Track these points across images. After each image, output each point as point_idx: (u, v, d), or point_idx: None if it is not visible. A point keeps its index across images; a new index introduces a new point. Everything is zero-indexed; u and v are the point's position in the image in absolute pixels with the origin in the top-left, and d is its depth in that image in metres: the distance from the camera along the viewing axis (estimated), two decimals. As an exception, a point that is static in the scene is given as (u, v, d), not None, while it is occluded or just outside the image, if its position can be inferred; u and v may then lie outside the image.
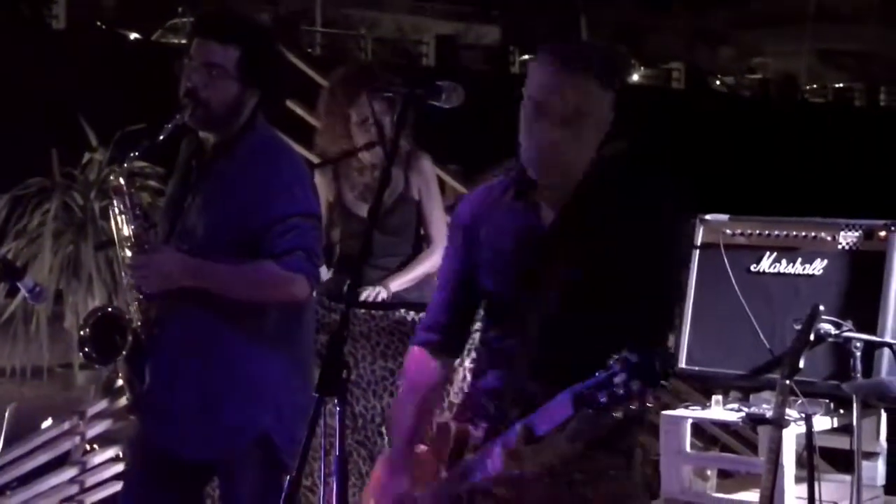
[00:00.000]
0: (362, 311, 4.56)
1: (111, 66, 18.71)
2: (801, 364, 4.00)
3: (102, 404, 5.18)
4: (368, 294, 4.54)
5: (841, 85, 44.45)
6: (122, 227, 3.81)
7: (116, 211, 3.83)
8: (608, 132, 2.91)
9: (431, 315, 3.16)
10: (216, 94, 3.71)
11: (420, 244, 4.74)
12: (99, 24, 27.75)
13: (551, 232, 2.93)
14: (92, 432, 5.12)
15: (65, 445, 5.10)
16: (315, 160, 4.93)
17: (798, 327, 4.09)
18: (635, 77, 37.40)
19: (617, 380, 2.56)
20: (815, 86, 44.26)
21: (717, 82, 40.38)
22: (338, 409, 2.70)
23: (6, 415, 5.53)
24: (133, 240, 3.78)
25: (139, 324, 3.81)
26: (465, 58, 29.75)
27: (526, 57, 31.94)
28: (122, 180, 3.81)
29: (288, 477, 2.63)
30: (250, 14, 4.49)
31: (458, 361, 3.79)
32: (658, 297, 2.89)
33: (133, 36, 27.12)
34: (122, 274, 3.87)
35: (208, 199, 3.76)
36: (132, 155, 3.80)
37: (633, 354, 2.55)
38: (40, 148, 9.10)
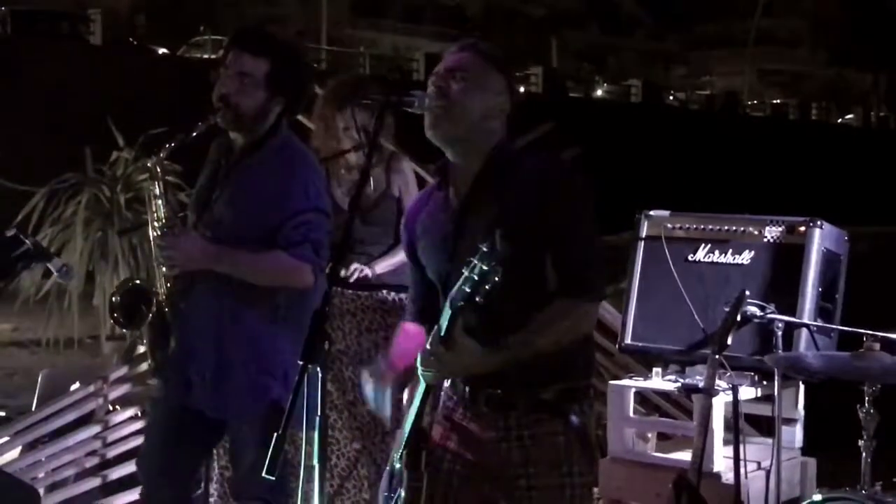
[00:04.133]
0: (350, 291, 4.56)
1: (141, 77, 18.68)
2: (730, 341, 4.00)
3: (123, 370, 5.17)
4: (356, 269, 4.53)
5: (777, 101, 44.54)
6: (156, 209, 3.82)
7: (153, 195, 3.84)
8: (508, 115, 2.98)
9: (410, 297, 3.20)
10: (246, 99, 3.73)
11: (399, 235, 4.73)
12: (131, 40, 27.66)
13: (461, 206, 2.95)
14: (114, 394, 5.11)
15: (90, 406, 5.08)
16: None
17: (727, 309, 4.09)
18: (599, 92, 37.41)
19: (473, 272, 2.61)
20: (755, 101, 44.32)
21: (670, 97, 40.38)
22: (319, 374, 2.68)
23: (39, 379, 5.53)
24: (164, 222, 3.80)
25: (164, 296, 3.82)
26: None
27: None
28: (159, 168, 3.83)
29: (275, 434, 2.60)
30: (281, 32, 4.48)
31: None
32: (575, 248, 2.87)
33: (161, 51, 27.04)
34: (152, 251, 3.88)
35: (234, 194, 3.78)
36: (168, 146, 3.81)
37: (483, 245, 2.61)
38: (74, 147, 9.09)
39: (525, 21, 39.36)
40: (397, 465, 2.97)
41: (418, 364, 2.84)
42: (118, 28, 25.80)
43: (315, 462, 2.69)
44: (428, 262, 3.03)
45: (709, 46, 47.43)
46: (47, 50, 18.98)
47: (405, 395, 3.10)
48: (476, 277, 2.60)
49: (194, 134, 3.74)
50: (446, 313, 2.74)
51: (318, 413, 2.70)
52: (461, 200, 2.96)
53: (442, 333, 2.76)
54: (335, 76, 5.05)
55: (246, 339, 3.73)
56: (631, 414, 4.65)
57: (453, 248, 2.92)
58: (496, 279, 2.60)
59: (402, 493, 2.93)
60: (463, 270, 2.64)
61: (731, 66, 47.48)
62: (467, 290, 2.63)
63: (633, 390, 4.63)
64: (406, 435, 2.94)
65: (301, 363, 2.65)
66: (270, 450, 2.61)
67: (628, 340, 4.86)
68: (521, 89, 30.82)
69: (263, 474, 2.59)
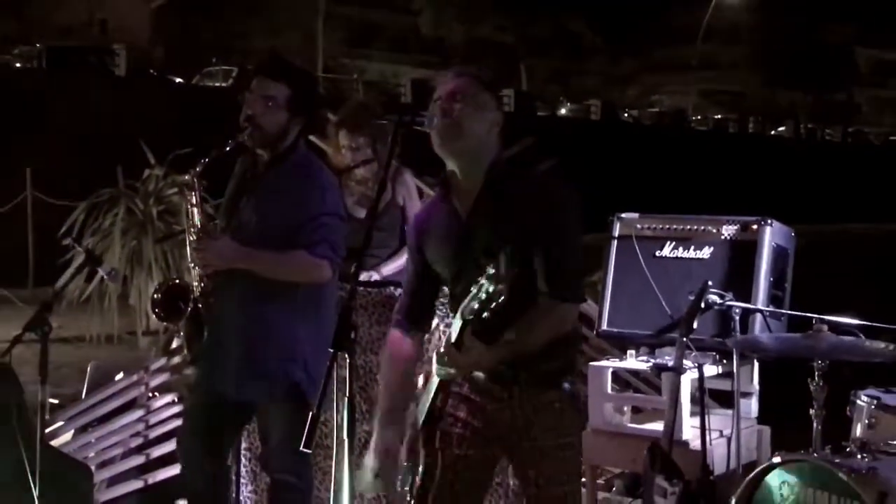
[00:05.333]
0: (361, 288, 4.58)
1: (161, 104, 18.61)
2: (695, 325, 4.03)
3: (161, 361, 5.16)
4: (367, 275, 4.55)
5: (719, 116, 44.63)
6: (192, 217, 3.83)
7: (190, 204, 3.84)
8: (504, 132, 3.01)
9: (401, 303, 3.21)
10: (269, 120, 3.75)
11: (404, 239, 4.75)
12: (151, 71, 27.50)
13: (468, 216, 2.99)
14: (154, 383, 5.10)
15: (133, 393, 5.07)
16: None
17: (692, 298, 4.11)
18: (562, 111, 37.41)
19: (482, 290, 2.64)
20: (699, 117, 44.39)
21: (625, 115, 40.43)
22: (347, 361, 2.70)
23: (88, 370, 5.51)
24: (198, 227, 3.81)
25: (199, 294, 3.83)
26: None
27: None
28: (195, 180, 3.84)
29: (311, 414, 2.62)
30: (300, 62, 4.50)
31: (435, 324, 3.83)
32: (562, 255, 2.91)
33: (177, 80, 26.93)
34: (188, 253, 3.88)
35: (259, 201, 3.79)
36: (203, 161, 3.82)
37: (490, 267, 2.63)
38: (104, 167, 9.08)
39: (498, 49, 39.38)
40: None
41: (434, 363, 2.89)
42: (140, 60, 25.65)
43: (345, 437, 2.71)
44: (436, 262, 3.07)
45: (659, 70, 47.53)
46: (78, 81, 18.91)
47: (420, 380, 3.14)
48: (484, 296, 2.64)
49: (226, 150, 3.75)
50: (457, 323, 2.80)
51: (347, 395, 2.73)
52: (468, 210, 2.99)
53: (453, 340, 2.81)
54: (335, 101, 5.06)
55: (270, 330, 3.74)
56: (609, 391, 4.67)
57: (461, 253, 2.97)
58: (502, 299, 2.63)
59: (420, 466, 2.98)
60: (472, 288, 2.67)
61: (678, 86, 47.64)
62: (476, 306, 2.67)
63: (610, 370, 4.66)
64: (422, 417, 2.98)
65: (331, 350, 2.66)
66: (306, 427, 2.62)
67: (604, 327, 4.89)
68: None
69: (301, 448, 2.60)
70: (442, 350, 2.88)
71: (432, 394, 2.97)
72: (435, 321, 3.86)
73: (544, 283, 2.88)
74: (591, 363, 4.77)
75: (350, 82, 31.57)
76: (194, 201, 3.82)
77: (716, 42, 46.63)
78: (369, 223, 3.10)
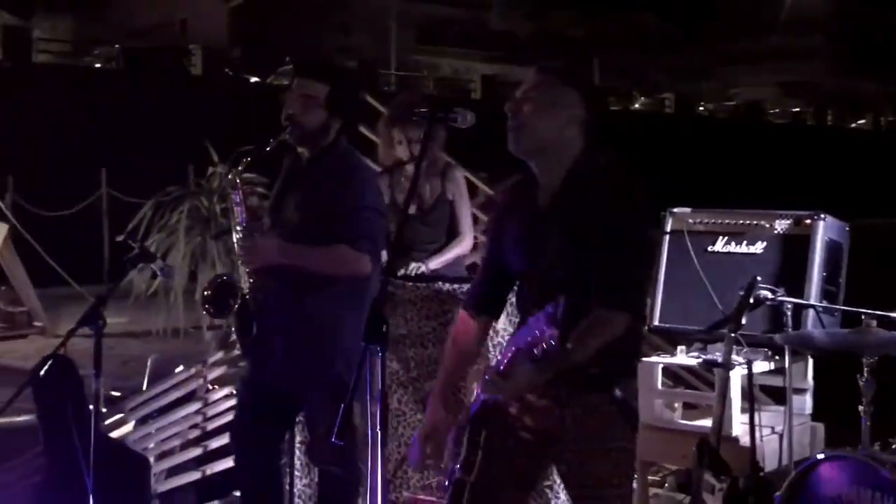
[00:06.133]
0: (410, 283, 4.60)
1: (236, 102, 18.84)
2: (744, 321, 3.98)
3: (219, 354, 5.24)
4: (414, 268, 4.58)
5: (797, 109, 43.85)
6: (237, 216, 3.89)
7: (233, 203, 3.91)
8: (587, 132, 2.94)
9: (473, 287, 3.22)
10: (309, 118, 3.80)
11: (453, 234, 4.78)
12: (227, 70, 27.79)
13: (545, 215, 2.95)
14: (211, 375, 5.17)
15: (191, 385, 5.16)
16: (378, 169, 4.98)
17: (741, 293, 4.08)
18: (636, 105, 37.07)
19: (537, 329, 2.62)
20: (776, 110, 43.65)
21: (700, 108, 39.88)
22: (380, 353, 2.71)
23: (149, 363, 5.63)
24: (243, 226, 3.87)
25: (247, 290, 3.89)
26: (504, 92, 29.67)
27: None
28: (238, 179, 3.90)
29: (342, 405, 2.64)
30: (339, 61, 4.56)
31: (502, 324, 3.81)
32: (620, 263, 2.85)
33: (253, 79, 27.22)
34: (235, 252, 3.95)
35: (302, 198, 3.85)
36: (245, 160, 3.89)
37: (551, 307, 2.59)
38: (177, 164, 9.25)
39: (569, 43, 39.15)
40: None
41: (481, 390, 2.88)
42: (217, 60, 25.96)
43: (378, 429, 2.73)
44: (507, 255, 3.05)
45: (735, 62, 46.84)
46: (153, 81, 19.25)
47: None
48: (538, 333, 2.60)
49: (268, 149, 3.81)
50: (507, 352, 2.75)
51: (380, 386, 2.75)
52: (546, 208, 2.96)
53: (501, 368, 2.78)
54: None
55: (312, 323, 3.79)
56: (659, 386, 4.64)
57: (534, 251, 2.95)
58: (553, 343, 2.60)
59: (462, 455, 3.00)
60: (529, 319, 2.65)
61: (755, 79, 46.90)
62: (528, 339, 2.64)
63: (661, 366, 4.63)
64: (472, 415, 3.00)
65: (364, 343, 2.69)
66: (338, 419, 2.65)
67: (656, 322, 4.86)
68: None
69: (333, 440, 2.64)
70: (488, 377, 2.85)
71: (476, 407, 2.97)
72: (503, 321, 3.85)
73: (600, 290, 2.81)
74: (642, 359, 4.75)
75: (420, 79, 31.65)
76: (237, 200, 3.88)
77: (793, 32, 45.82)
78: (404, 217, 3.12)
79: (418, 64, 36.25)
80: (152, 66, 21.28)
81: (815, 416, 4.62)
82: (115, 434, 4.94)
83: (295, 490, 4.54)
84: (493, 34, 40.62)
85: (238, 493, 4.45)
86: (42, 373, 3.87)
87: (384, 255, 4.04)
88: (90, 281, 11.62)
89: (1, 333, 10.22)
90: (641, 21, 41.81)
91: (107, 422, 4.98)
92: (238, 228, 3.88)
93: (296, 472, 4.54)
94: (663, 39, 43.70)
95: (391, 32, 34.04)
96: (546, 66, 3.01)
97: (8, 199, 13.07)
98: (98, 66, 22.49)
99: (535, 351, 2.64)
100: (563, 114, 2.93)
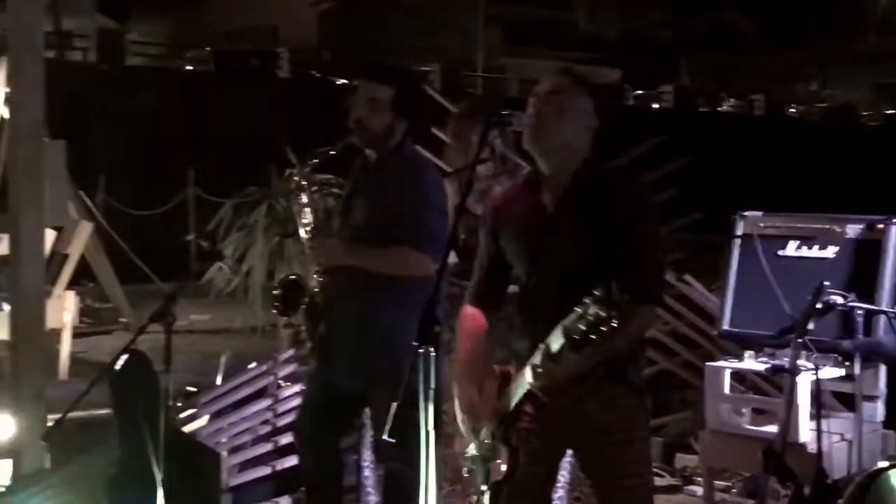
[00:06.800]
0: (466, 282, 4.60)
1: (322, 104, 19.05)
2: (812, 326, 3.93)
3: (290, 352, 5.33)
4: None
5: (891, 111, 42.77)
6: (304, 216, 3.96)
7: (300, 204, 3.98)
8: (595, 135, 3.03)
9: (473, 283, 3.27)
10: (375, 121, 3.84)
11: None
12: (314, 73, 28.09)
13: (553, 212, 3.02)
14: (282, 372, 5.25)
15: (263, 382, 5.24)
16: (448, 170, 5.00)
17: (809, 299, 4.02)
18: (725, 107, 36.56)
19: (590, 311, 2.59)
20: (871, 113, 42.63)
21: (791, 110, 39.14)
22: (433, 355, 2.74)
23: (222, 360, 5.74)
24: (312, 226, 3.93)
25: (316, 289, 3.95)
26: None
27: (639, 92, 31.55)
28: (305, 181, 3.97)
29: (394, 403, 2.68)
30: (404, 64, 4.61)
31: None
32: (633, 259, 2.92)
33: (340, 81, 27.50)
34: (305, 251, 4.02)
35: (368, 199, 3.90)
36: (311, 161, 3.96)
37: (598, 290, 2.58)
38: (261, 164, 9.38)
39: (656, 44, 38.79)
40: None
41: (527, 377, 2.89)
42: (304, 63, 26.29)
43: (430, 428, 2.76)
44: (511, 251, 3.11)
45: (827, 63, 45.91)
46: (242, 83, 19.57)
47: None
48: (592, 319, 2.60)
49: (335, 152, 3.87)
50: (559, 339, 2.73)
51: (434, 386, 2.77)
52: (553, 209, 3.02)
53: (552, 353, 2.79)
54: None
55: (378, 322, 3.83)
56: (726, 391, 4.60)
57: (541, 247, 3.01)
58: (613, 324, 2.60)
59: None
60: (577, 308, 2.64)
61: (847, 80, 45.89)
62: (583, 328, 2.62)
63: (728, 371, 4.59)
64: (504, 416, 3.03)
65: (415, 344, 2.72)
66: (390, 418, 2.69)
67: (726, 327, 4.82)
68: (655, 106, 30.40)
69: (383, 437, 2.67)
70: (538, 362, 2.85)
71: (518, 399, 2.98)
72: None
73: (630, 285, 2.76)
74: (709, 363, 4.71)
75: (506, 81, 31.63)
76: (304, 201, 3.94)
77: (888, 32, 44.71)
78: (457, 218, 3.13)
79: (504, 66, 36.23)
80: (241, 68, 21.62)
81: (888, 423, 4.53)
82: (189, 428, 5.05)
83: (364, 483, 4.59)
84: (581, 36, 40.43)
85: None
86: (117, 367, 3.99)
87: (452, 256, 4.07)
88: (177, 279, 11.83)
89: (87, 329, 10.49)
90: (731, 21, 41.20)
91: (181, 415, 5.10)
92: (306, 229, 3.95)
93: (368, 468, 4.60)
94: (753, 40, 43.02)
95: (479, 35, 34.10)
96: (566, 70, 3.12)
97: (98, 198, 13.43)
98: (189, 68, 22.96)
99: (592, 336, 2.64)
100: (581, 120, 3.03)
